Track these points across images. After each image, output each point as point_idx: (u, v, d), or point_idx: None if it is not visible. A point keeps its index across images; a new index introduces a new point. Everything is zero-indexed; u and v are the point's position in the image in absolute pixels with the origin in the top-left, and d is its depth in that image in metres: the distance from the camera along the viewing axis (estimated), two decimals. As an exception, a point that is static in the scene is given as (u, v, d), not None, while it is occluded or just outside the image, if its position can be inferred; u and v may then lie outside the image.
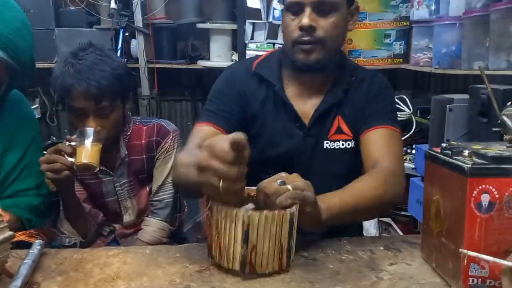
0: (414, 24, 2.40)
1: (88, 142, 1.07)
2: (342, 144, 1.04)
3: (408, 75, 2.69)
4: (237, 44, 2.44)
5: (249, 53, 2.41)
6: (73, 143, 1.07)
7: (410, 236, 0.89)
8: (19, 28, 1.00)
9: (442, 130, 1.88)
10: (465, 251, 0.61)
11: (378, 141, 0.98)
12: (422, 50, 2.35)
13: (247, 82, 1.06)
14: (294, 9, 0.96)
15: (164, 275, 0.72)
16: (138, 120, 1.31)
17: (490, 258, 0.60)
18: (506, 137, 0.70)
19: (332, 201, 0.80)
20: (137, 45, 2.49)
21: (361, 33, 2.50)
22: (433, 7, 2.22)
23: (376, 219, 2.18)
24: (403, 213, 2.38)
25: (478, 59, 1.82)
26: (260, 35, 2.44)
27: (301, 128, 1.04)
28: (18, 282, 0.65)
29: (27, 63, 1.04)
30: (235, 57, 2.55)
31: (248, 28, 2.42)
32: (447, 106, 1.87)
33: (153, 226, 1.29)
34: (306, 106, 1.05)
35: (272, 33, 2.43)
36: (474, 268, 0.63)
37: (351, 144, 1.04)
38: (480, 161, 0.62)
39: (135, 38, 2.50)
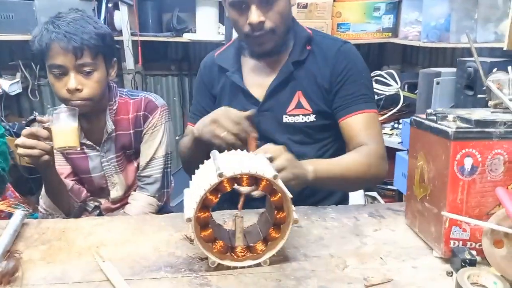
0: (404, -4, 2.38)
1: (64, 122, 1.01)
2: (302, 119, 1.05)
3: (396, 49, 2.68)
4: (224, 16, 2.38)
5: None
6: (46, 125, 1.02)
7: (394, 204, 0.91)
8: None
9: (429, 103, 1.89)
10: (447, 213, 0.62)
11: (358, 126, 1.00)
12: (411, 23, 2.34)
13: (210, 72, 1.16)
14: (239, 6, 0.97)
15: (149, 242, 0.72)
16: (124, 93, 1.28)
17: (472, 221, 0.60)
18: (490, 102, 0.70)
19: (320, 165, 0.85)
20: (121, 17, 2.41)
21: (350, 6, 2.47)
22: (423, -21, 2.19)
23: (362, 193, 2.21)
24: (388, 187, 2.41)
25: (466, 32, 1.81)
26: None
27: (255, 103, 1.07)
28: (-2, 250, 0.64)
29: None
30: (222, 30, 2.49)
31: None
32: (434, 79, 1.87)
33: (141, 200, 1.28)
34: (263, 85, 1.08)
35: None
36: (455, 231, 0.63)
37: (311, 118, 1.05)
38: (464, 125, 0.62)
39: (118, 9, 2.42)
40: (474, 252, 0.62)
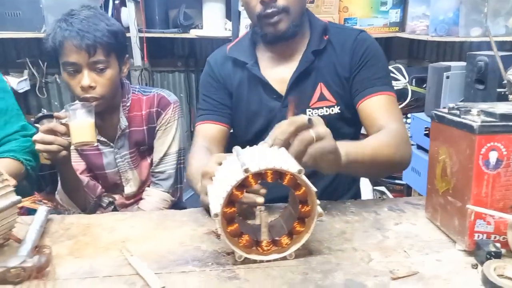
0: (411, -10, 2.37)
1: (81, 118, 1.02)
2: (326, 111, 1.04)
3: (403, 43, 2.68)
4: (231, 12, 2.38)
5: (244, 22, 2.36)
6: (63, 120, 1.03)
7: (412, 198, 0.91)
8: None
9: (439, 98, 1.89)
10: (472, 206, 0.62)
11: (378, 109, 0.97)
12: (418, 17, 2.33)
13: (223, 67, 1.12)
14: None
15: (173, 237, 0.73)
16: (137, 90, 1.29)
17: (497, 213, 0.61)
18: (511, 96, 0.70)
19: (350, 148, 0.79)
20: (128, 13, 2.41)
21: (357, 1, 2.46)
22: (431, -28, 2.18)
23: (371, 187, 2.22)
24: (397, 181, 2.42)
25: (475, 26, 1.81)
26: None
27: (278, 99, 1.05)
28: (28, 245, 0.65)
29: None
30: (229, 26, 2.49)
31: (242, -5, 2.36)
32: (444, 73, 1.87)
33: (155, 196, 1.29)
34: (282, 77, 1.05)
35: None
36: (480, 224, 0.64)
37: (335, 110, 1.04)
38: (488, 119, 0.63)
39: (125, 6, 2.42)
40: (498, 245, 0.62)
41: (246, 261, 0.64)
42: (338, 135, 1.04)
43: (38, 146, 1.00)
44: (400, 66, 2.29)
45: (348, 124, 1.06)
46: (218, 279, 0.60)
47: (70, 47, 1.07)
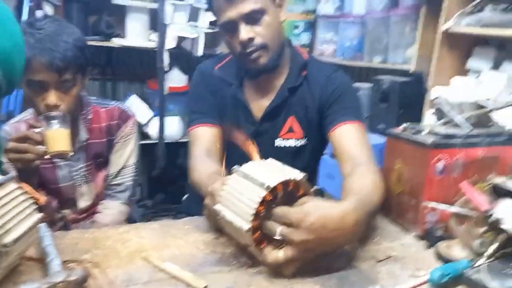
0: (320, 18, 2.69)
1: (58, 127, 1.01)
2: (293, 143, 1.12)
3: (313, 63, 3.00)
4: (157, 24, 2.41)
5: (170, 34, 2.41)
6: (38, 130, 1.00)
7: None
8: (20, 44, 0.84)
9: (351, 113, 2.20)
10: (428, 202, 0.84)
11: (349, 137, 1.01)
12: (326, 42, 2.66)
13: (213, 83, 1.17)
14: (229, 27, 1.02)
15: (188, 244, 0.80)
16: (94, 102, 1.28)
17: (444, 206, 0.83)
18: (442, 120, 0.94)
19: (358, 209, 0.74)
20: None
21: (274, 22, 2.70)
22: (337, 4, 2.53)
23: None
24: (314, 187, 2.69)
25: (378, 54, 2.17)
26: (181, 17, 2.45)
27: (253, 124, 1.13)
28: (57, 260, 0.67)
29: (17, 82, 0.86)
30: (154, 37, 2.51)
31: (169, 8, 2.41)
32: (355, 92, 2.19)
33: (113, 209, 1.29)
34: (260, 106, 1.13)
35: (193, 15, 2.47)
36: (429, 215, 0.86)
37: (302, 142, 1.12)
38: (436, 137, 0.85)
39: (41, 8, 2.27)
40: (443, 230, 0.85)
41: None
42: (304, 166, 1.08)
43: (12, 156, 0.96)
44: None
45: (314, 156, 1.16)
46: (249, 276, 0.70)
47: (38, 65, 1.03)
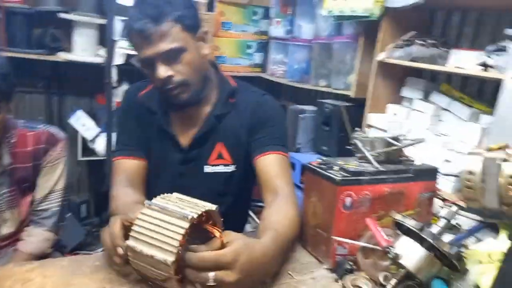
0: (272, 39, 2.75)
1: None
2: (222, 169, 1.13)
3: (265, 83, 3.04)
4: (107, 40, 2.38)
5: (119, 51, 2.38)
6: None
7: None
8: None
9: (296, 135, 2.26)
10: (335, 237, 0.87)
11: (273, 168, 1.04)
12: (278, 63, 2.72)
13: (138, 111, 1.16)
14: (147, 63, 1.00)
15: (93, 282, 0.79)
16: (22, 125, 1.24)
17: (350, 241, 0.87)
18: (357, 155, 0.99)
19: (281, 247, 0.83)
20: (-17, 29, 2.18)
21: (226, 42, 2.74)
22: (288, 28, 2.59)
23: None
24: (259, 204, 2.72)
25: (322, 78, 2.24)
26: (130, 33, 2.43)
27: (180, 152, 1.13)
28: None
29: None
30: (102, 52, 2.47)
31: (118, 24, 2.38)
32: (299, 115, 2.25)
33: (37, 236, 1.25)
34: (188, 134, 1.13)
35: (143, 33, 2.44)
36: (339, 249, 0.89)
37: (231, 168, 1.13)
38: (345, 174, 0.88)
39: (-20, 20, 2.19)
40: (351, 263, 0.88)
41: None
42: (233, 192, 1.15)
43: None
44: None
45: (243, 182, 1.15)
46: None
47: None
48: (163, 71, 0.98)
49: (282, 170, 1.05)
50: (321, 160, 0.95)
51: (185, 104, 1.07)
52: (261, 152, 1.07)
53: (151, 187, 1.16)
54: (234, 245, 0.72)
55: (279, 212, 0.93)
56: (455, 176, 0.67)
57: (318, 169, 0.93)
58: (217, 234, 0.77)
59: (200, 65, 1.05)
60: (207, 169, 1.13)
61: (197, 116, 1.13)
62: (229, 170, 1.14)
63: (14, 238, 1.28)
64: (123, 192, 1.03)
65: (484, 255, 0.85)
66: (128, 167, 1.11)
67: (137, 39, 0.97)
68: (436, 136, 1.58)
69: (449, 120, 1.59)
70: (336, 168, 0.91)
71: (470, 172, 0.64)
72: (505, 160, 0.62)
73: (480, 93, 1.65)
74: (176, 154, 1.13)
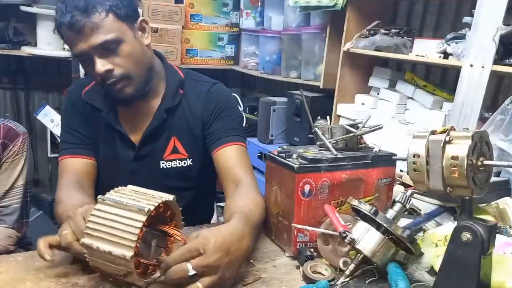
0: (243, 31, 2.73)
1: None
2: (179, 163, 1.10)
3: (237, 75, 3.03)
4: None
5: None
6: None
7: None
8: None
9: (268, 127, 2.26)
10: (295, 225, 0.87)
11: (232, 159, 1.03)
12: (250, 55, 2.71)
13: (83, 109, 1.11)
14: (83, 58, 0.96)
15: (48, 277, 0.77)
16: None
17: (310, 228, 0.87)
18: (318, 143, 0.99)
19: (249, 227, 0.80)
20: None
21: (197, 34, 2.71)
22: (258, 19, 2.58)
23: (214, 204, 2.45)
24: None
25: (293, 69, 2.24)
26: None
27: (132, 149, 1.10)
28: None
29: None
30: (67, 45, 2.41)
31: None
32: (271, 107, 2.25)
33: None
34: (138, 129, 1.09)
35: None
36: (300, 236, 0.90)
37: (187, 162, 1.10)
38: (303, 161, 0.89)
39: None
40: (312, 250, 0.89)
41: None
42: (192, 186, 1.13)
43: None
44: (236, 95, 2.61)
45: (202, 175, 1.13)
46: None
47: None
48: (101, 65, 0.94)
49: (241, 160, 1.04)
50: (281, 149, 0.96)
51: (130, 99, 1.02)
52: (218, 145, 1.06)
53: (102, 187, 1.11)
54: (199, 234, 0.72)
55: (243, 198, 0.93)
56: (404, 160, 0.68)
57: (277, 158, 0.93)
58: (178, 237, 0.77)
59: (141, 56, 1.00)
60: (163, 164, 1.10)
61: (145, 110, 1.09)
62: (185, 165, 1.11)
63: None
64: (69, 196, 0.97)
65: (440, 238, 0.88)
66: (75, 167, 1.06)
67: (68, 33, 0.92)
68: (402, 124, 1.61)
69: (414, 108, 1.62)
70: (295, 156, 0.91)
71: (416, 155, 0.65)
72: (448, 142, 0.63)
73: (442, 81, 1.68)
74: (127, 151, 1.10)
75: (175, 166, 1.11)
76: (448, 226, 0.95)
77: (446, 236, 0.86)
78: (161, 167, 1.10)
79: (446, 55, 1.38)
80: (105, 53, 0.94)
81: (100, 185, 1.13)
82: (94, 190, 1.09)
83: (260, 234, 0.98)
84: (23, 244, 1.37)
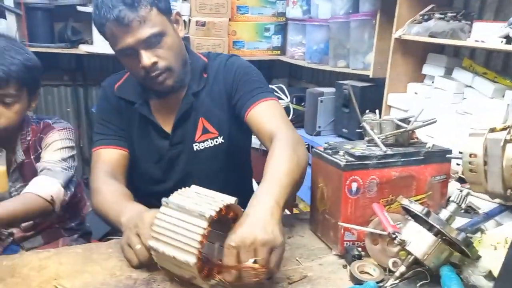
0: (289, 20, 2.70)
1: None
2: (211, 143, 1.12)
3: (284, 65, 3.01)
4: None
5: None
6: None
7: (299, 214, 1.13)
8: None
9: (315, 118, 2.23)
10: (342, 223, 0.85)
11: (264, 116, 1.02)
12: (296, 44, 2.67)
13: (116, 103, 1.14)
14: (128, 53, 0.98)
15: (104, 269, 0.81)
16: (33, 120, 1.27)
17: (358, 227, 0.85)
18: (366, 138, 0.96)
19: (275, 192, 0.78)
20: (7, 26, 2.26)
21: (244, 26, 2.71)
22: (305, 8, 2.53)
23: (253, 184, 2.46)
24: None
25: (341, 58, 2.18)
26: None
27: (165, 137, 1.12)
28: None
29: None
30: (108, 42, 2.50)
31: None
32: (319, 98, 2.21)
33: (46, 180, 1.15)
34: (169, 117, 1.11)
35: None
36: (347, 235, 0.88)
37: (219, 140, 1.12)
38: (350, 158, 0.86)
39: (4, 17, 2.26)
40: (360, 249, 0.86)
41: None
42: (228, 166, 1.13)
43: None
44: (283, 86, 2.59)
45: (234, 152, 1.14)
46: (154, 302, 0.72)
47: None
48: (147, 58, 0.96)
49: (272, 114, 1.03)
50: (327, 145, 0.93)
51: (170, 90, 1.05)
52: (247, 107, 1.06)
53: (139, 177, 1.15)
54: (237, 231, 0.71)
55: (275, 157, 0.87)
56: (459, 158, 0.64)
57: (324, 154, 0.91)
58: None
59: (180, 48, 1.04)
60: (196, 146, 1.12)
61: (174, 99, 1.11)
62: (217, 143, 1.12)
63: (36, 229, 1.33)
64: (107, 184, 0.99)
65: (500, 240, 0.82)
66: (109, 157, 1.08)
67: (115, 28, 0.94)
68: (459, 114, 1.51)
69: (472, 97, 1.52)
70: (341, 152, 0.88)
71: (472, 154, 0.61)
72: (509, 141, 0.58)
73: (505, 67, 1.56)
74: (162, 141, 1.12)
75: (208, 146, 1.12)
76: (509, 227, 0.88)
77: (506, 238, 0.80)
78: (195, 149, 1.12)
79: (508, 39, 1.27)
80: (149, 46, 0.96)
81: (137, 174, 1.16)
82: (126, 180, 1.10)
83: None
84: (83, 233, 1.46)
